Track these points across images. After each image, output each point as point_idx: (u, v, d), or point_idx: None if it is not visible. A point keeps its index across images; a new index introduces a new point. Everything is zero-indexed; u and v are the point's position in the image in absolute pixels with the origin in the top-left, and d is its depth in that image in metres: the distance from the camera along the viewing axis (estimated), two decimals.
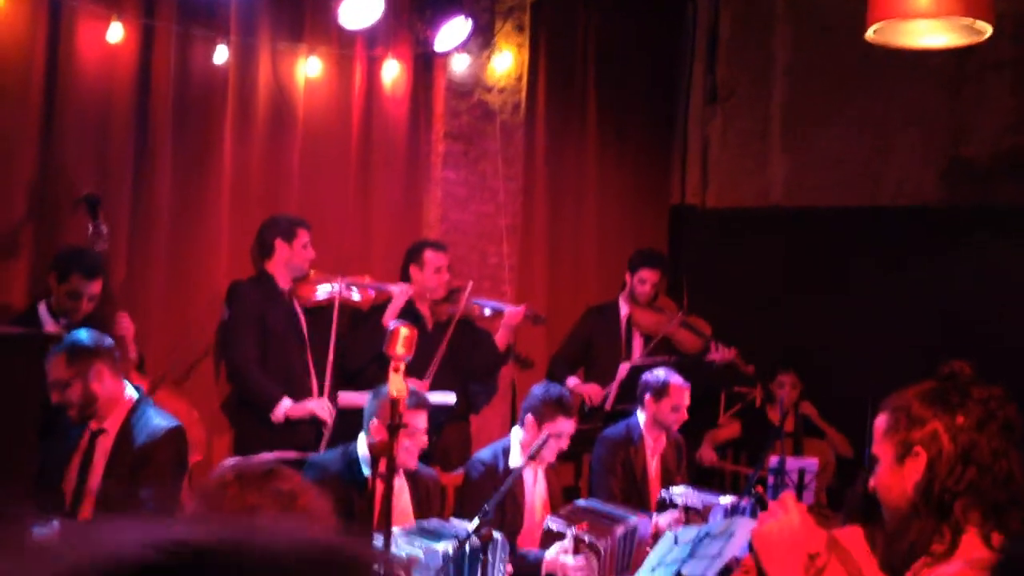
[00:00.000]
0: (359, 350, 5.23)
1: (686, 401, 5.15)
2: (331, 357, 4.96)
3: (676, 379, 5.14)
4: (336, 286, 5.11)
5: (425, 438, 4.02)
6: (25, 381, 2.57)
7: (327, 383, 4.98)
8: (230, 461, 4.05)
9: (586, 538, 4.16)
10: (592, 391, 6.15)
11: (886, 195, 7.54)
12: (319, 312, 5.13)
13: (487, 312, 5.63)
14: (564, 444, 4.50)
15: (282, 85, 5.39)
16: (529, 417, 4.45)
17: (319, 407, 4.92)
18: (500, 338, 5.67)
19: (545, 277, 6.91)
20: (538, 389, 4.54)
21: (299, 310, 5.11)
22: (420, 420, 3.93)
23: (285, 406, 4.86)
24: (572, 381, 6.21)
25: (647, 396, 5.14)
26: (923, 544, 1.97)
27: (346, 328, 5.30)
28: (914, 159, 7.43)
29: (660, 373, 5.18)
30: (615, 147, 7.47)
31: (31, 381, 2.67)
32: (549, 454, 4.50)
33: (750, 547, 2.03)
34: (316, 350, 5.07)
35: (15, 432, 2.57)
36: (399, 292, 5.24)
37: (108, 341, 3.79)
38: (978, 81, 7.18)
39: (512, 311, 5.65)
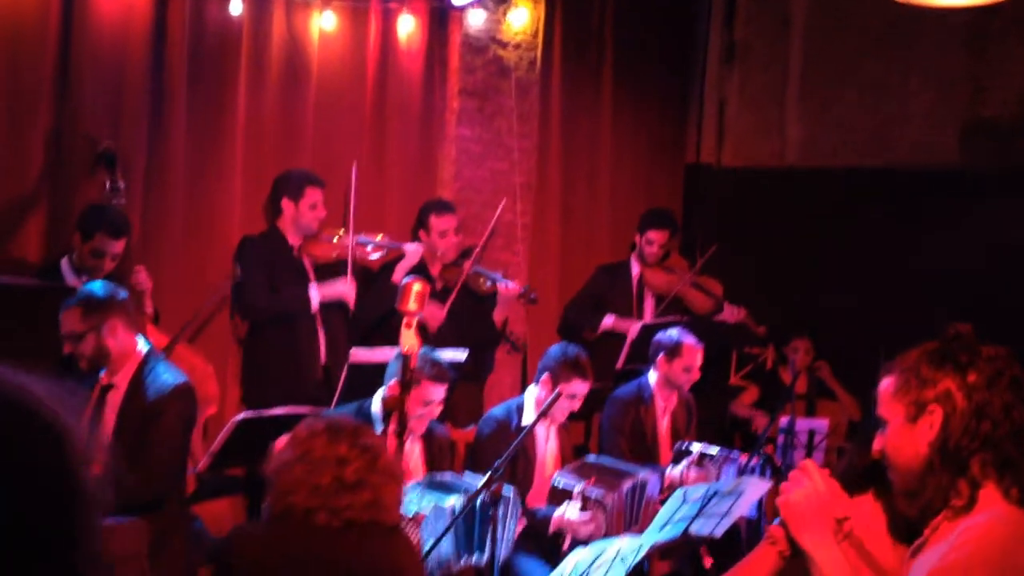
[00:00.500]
0: (369, 307, 5.25)
1: (699, 362, 5.16)
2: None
3: (690, 339, 5.14)
4: (346, 244, 5.10)
5: (439, 409, 4.03)
6: (46, 333, 2.60)
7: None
8: (243, 415, 4.10)
9: (593, 494, 4.19)
10: (629, 325, 6.20)
11: (903, 156, 7.48)
12: (330, 269, 5.13)
13: (487, 284, 5.60)
14: (576, 405, 4.52)
15: (296, 38, 5.36)
16: (546, 376, 4.47)
17: (346, 290, 5.00)
18: (496, 313, 5.65)
19: (558, 235, 6.89)
20: (556, 349, 4.55)
21: (309, 267, 5.11)
22: (438, 392, 3.94)
23: (316, 297, 4.96)
24: (610, 319, 6.24)
25: (660, 356, 5.14)
26: (940, 500, 1.99)
27: (358, 286, 5.30)
28: (932, 120, 7.36)
29: (673, 333, 5.18)
30: (630, 105, 7.42)
31: (51, 333, 2.70)
32: (560, 414, 4.52)
33: (778, 518, 2.06)
34: (324, 307, 5.08)
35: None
36: (411, 251, 5.23)
37: (123, 294, 3.80)
38: (1001, 40, 7.09)
39: (506, 286, 5.57)
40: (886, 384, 2.08)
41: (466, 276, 5.47)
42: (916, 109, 7.42)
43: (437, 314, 5.34)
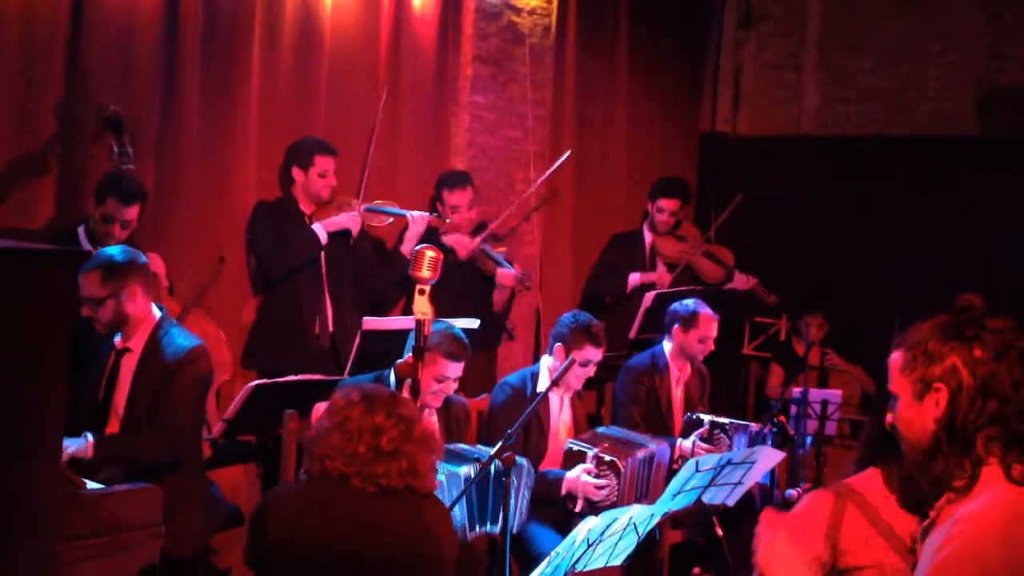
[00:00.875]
0: (379, 274, 5.26)
1: (714, 332, 5.14)
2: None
3: (706, 310, 5.12)
4: (355, 213, 5.09)
5: (455, 386, 4.03)
6: (63, 298, 2.61)
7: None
8: (257, 382, 4.11)
9: (607, 457, 4.19)
10: (659, 276, 6.20)
11: (920, 124, 7.41)
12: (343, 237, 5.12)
13: (490, 264, 5.59)
14: (590, 372, 4.51)
15: (310, 5, 5.31)
16: (558, 345, 4.46)
17: (347, 220, 5.02)
18: (496, 296, 5.63)
19: (572, 204, 6.86)
20: (567, 317, 4.54)
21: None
22: (454, 370, 3.93)
23: (321, 231, 4.97)
24: (635, 276, 6.22)
25: (675, 326, 5.13)
26: (947, 479, 1.97)
27: (370, 254, 5.30)
28: (950, 87, 7.28)
29: (689, 303, 5.16)
30: (645, 72, 7.36)
31: (68, 298, 2.70)
32: (576, 381, 4.51)
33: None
34: (334, 274, 5.08)
35: (52, 349, 2.61)
36: (416, 218, 5.18)
37: (142, 258, 3.82)
38: (1020, 7, 7.00)
39: (504, 272, 5.54)
40: (895, 359, 2.06)
41: (473, 253, 5.47)
42: (934, 76, 7.34)
43: (467, 243, 5.40)
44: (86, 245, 4.23)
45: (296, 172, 5.04)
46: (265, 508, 2.60)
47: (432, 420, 4.04)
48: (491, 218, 5.79)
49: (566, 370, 4.08)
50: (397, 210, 5.23)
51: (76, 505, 3.09)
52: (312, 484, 2.60)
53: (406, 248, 5.12)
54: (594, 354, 4.45)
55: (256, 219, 5.02)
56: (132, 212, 4.23)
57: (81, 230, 4.28)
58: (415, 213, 5.21)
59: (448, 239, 5.38)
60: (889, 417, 2.09)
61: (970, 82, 7.21)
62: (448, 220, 5.43)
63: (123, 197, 4.18)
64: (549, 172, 5.88)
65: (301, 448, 2.82)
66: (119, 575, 3.19)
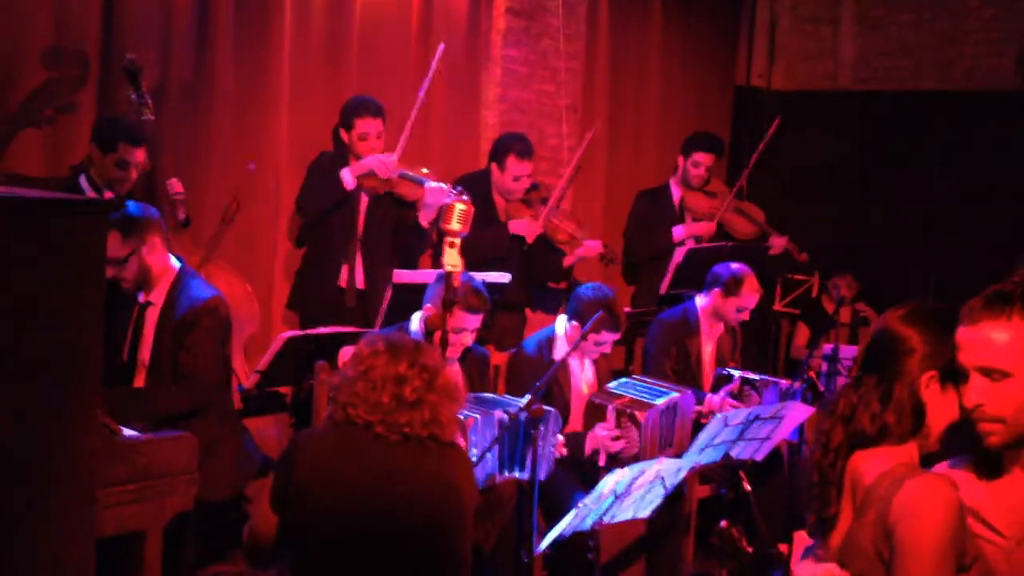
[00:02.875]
0: (413, 245, 5.20)
1: (752, 304, 5.06)
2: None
3: (751, 282, 5.02)
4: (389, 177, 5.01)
5: (471, 338, 4.05)
6: (97, 246, 2.65)
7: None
8: (287, 333, 4.15)
9: (627, 411, 4.21)
10: (703, 228, 6.20)
11: (958, 79, 7.29)
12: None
13: (565, 237, 5.58)
14: (606, 350, 4.50)
15: None
16: (574, 323, 4.43)
17: (374, 162, 4.84)
18: (422, 216, 5.20)
19: (604, 159, 6.83)
20: (587, 293, 4.44)
21: (362, 193, 5.05)
22: (471, 321, 3.96)
23: (348, 178, 4.85)
24: (679, 230, 6.22)
25: (716, 288, 5.05)
26: None
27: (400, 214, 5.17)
28: (990, 40, 7.16)
29: (736, 269, 5.04)
30: (680, 25, 7.29)
31: (102, 246, 2.74)
32: (591, 354, 4.51)
33: None
34: (371, 230, 5.01)
35: (88, 296, 2.67)
36: (433, 190, 4.88)
37: (155, 211, 3.86)
38: None
39: (591, 244, 5.57)
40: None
41: (544, 223, 5.45)
42: (974, 29, 7.22)
43: (533, 227, 5.39)
44: (90, 194, 4.20)
45: (342, 133, 4.98)
46: (294, 450, 2.63)
47: (454, 370, 4.07)
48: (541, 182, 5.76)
49: (580, 342, 4.09)
50: (419, 178, 4.98)
51: (114, 451, 3.16)
52: (339, 430, 2.63)
53: (424, 221, 4.97)
54: (610, 338, 4.42)
55: (313, 163, 4.97)
56: (143, 153, 4.22)
57: (82, 180, 4.20)
58: (430, 185, 4.92)
59: (516, 225, 5.37)
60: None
61: (1011, 36, 7.08)
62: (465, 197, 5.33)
63: (134, 140, 4.16)
64: (578, 153, 5.82)
65: None
66: (155, 519, 3.26)
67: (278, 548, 2.67)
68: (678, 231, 6.21)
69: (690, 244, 6.13)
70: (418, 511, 2.59)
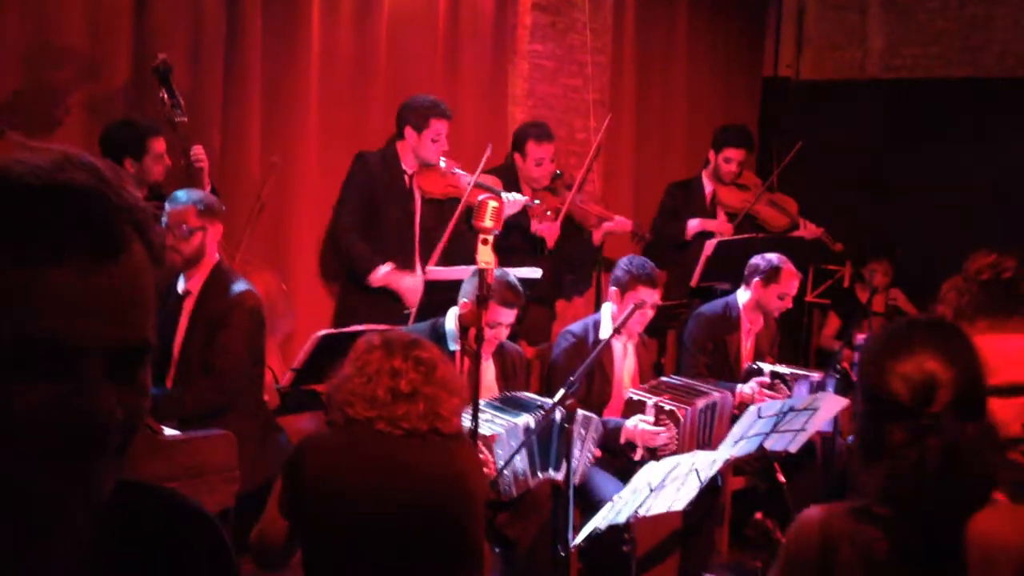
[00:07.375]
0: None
1: (794, 290, 5.05)
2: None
3: (789, 266, 5.01)
4: (457, 183, 4.97)
5: (506, 333, 4.07)
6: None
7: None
8: (324, 331, 4.19)
9: (667, 406, 4.22)
10: (720, 225, 6.21)
11: (988, 66, 7.23)
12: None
13: (591, 220, 5.64)
14: (649, 314, 4.50)
15: None
16: (614, 289, 4.48)
17: (408, 287, 4.84)
18: (598, 234, 5.75)
19: (632, 152, 6.83)
20: (622, 261, 4.54)
21: (418, 196, 5.04)
22: (506, 316, 3.97)
23: (384, 270, 4.85)
24: (695, 222, 6.22)
25: (756, 279, 5.04)
26: None
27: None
28: (1018, 26, 7.09)
29: (772, 257, 5.04)
30: (706, 16, 7.27)
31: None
32: (636, 324, 4.51)
33: None
34: (428, 236, 4.95)
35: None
36: (512, 203, 4.94)
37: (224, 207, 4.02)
38: None
39: (621, 219, 5.69)
40: None
41: (570, 206, 5.50)
42: (1003, 15, 7.15)
43: (553, 229, 5.44)
44: None
45: (409, 132, 4.95)
46: (298, 456, 2.62)
47: (488, 366, 4.09)
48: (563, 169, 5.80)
49: (629, 316, 4.09)
50: (495, 190, 4.95)
51: (155, 450, 3.21)
52: (342, 431, 2.63)
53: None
54: (648, 295, 4.41)
55: (352, 171, 4.96)
56: (164, 144, 4.29)
57: None
58: (512, 196, 5.01)
59: (537, 226, 5.43)
60: None
61: None
62: (536, 203, 5.41)
63: (156, 133, 4.23)
64: (600, 135, 5.86)
65: None
66: None
67: (287, 550, 2.67)
68: (693, 223, 6.18)
69: (719, 236, 6.12)
70: (427, 505, 2.58)
